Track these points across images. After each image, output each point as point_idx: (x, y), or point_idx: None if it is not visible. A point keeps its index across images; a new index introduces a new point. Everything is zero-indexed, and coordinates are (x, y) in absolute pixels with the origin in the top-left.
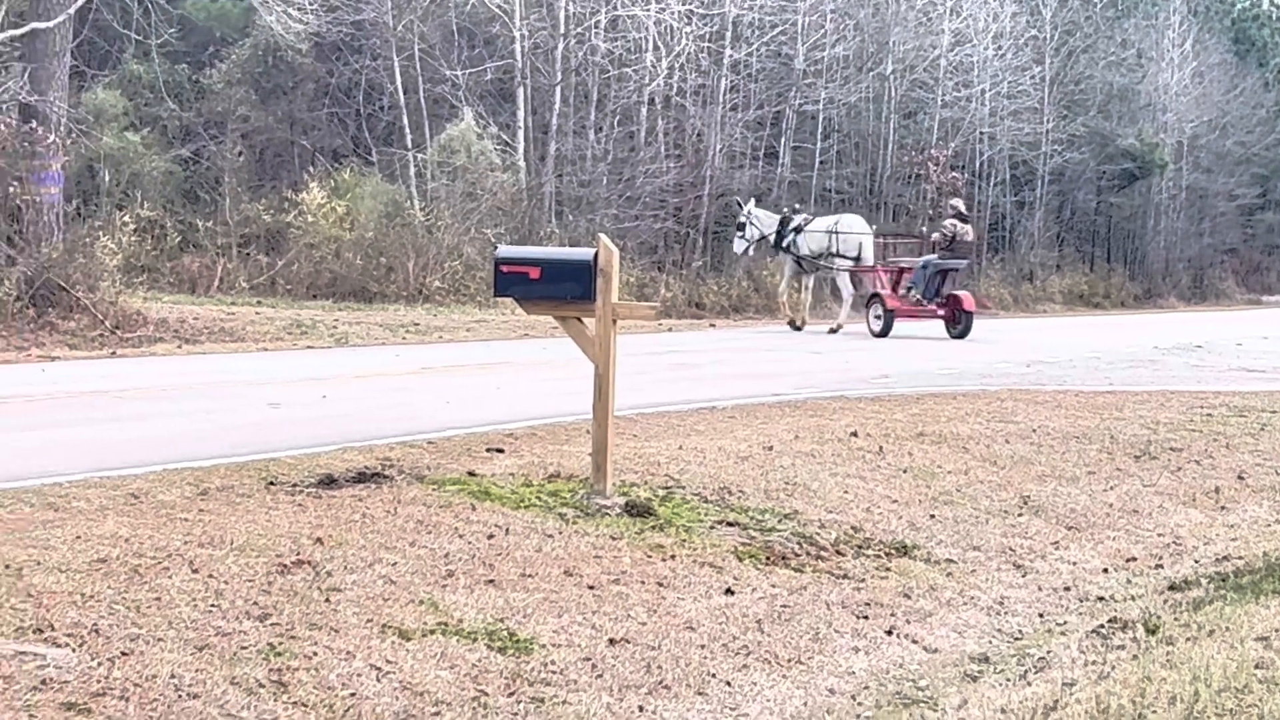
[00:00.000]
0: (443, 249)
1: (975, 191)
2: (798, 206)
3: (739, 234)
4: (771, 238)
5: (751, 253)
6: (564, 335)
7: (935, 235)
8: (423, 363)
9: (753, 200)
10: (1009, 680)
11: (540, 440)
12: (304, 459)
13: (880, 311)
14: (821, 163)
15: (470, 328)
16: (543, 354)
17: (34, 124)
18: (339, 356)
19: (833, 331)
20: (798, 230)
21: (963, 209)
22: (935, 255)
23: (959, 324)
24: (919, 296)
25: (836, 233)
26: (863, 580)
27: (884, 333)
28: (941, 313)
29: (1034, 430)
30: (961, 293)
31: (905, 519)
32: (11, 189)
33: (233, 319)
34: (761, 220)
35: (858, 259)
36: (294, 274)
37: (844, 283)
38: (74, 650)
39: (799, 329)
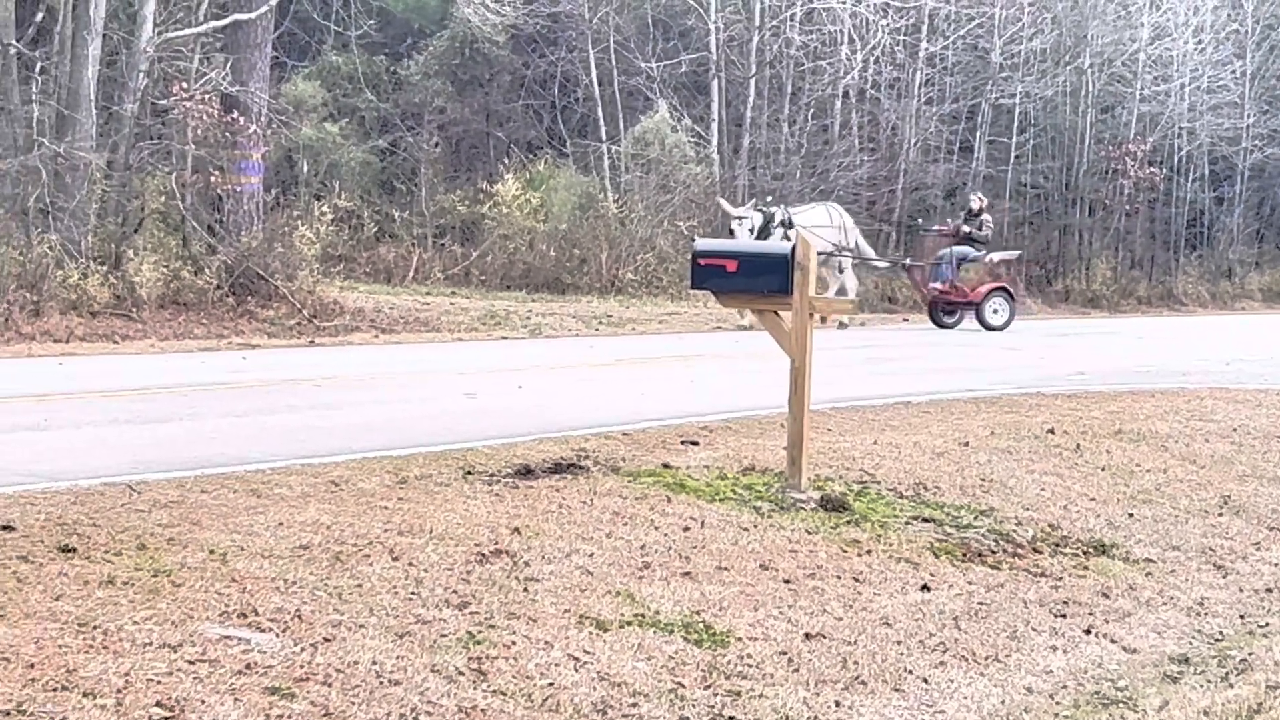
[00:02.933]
0: (635, 241)
1: (1173, 187)
2: (769, 199)
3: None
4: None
5: None
6: (757, 328)
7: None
8: (616, 355)
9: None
10: (1210, 682)
11: (735, 433)
12: (500, 449)
13: (1002, 303)
14: (1017, 157)
15: (663, 320)
16: (736, 347)
17: (235, 114)
18: (533, 347)
19: (842, 327)
20: (786, 225)
21: (971, 205)
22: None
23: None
24: (937, 285)
25: (845, 228)
26: (1060, 579)
27: (1005, 324)
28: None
29: (1234, 429)
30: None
31: (1103, 517)
32: (213, 178)
33: (428, 309)
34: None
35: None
36: (488, 265)
37: (852, 277)
38: (278, 635)
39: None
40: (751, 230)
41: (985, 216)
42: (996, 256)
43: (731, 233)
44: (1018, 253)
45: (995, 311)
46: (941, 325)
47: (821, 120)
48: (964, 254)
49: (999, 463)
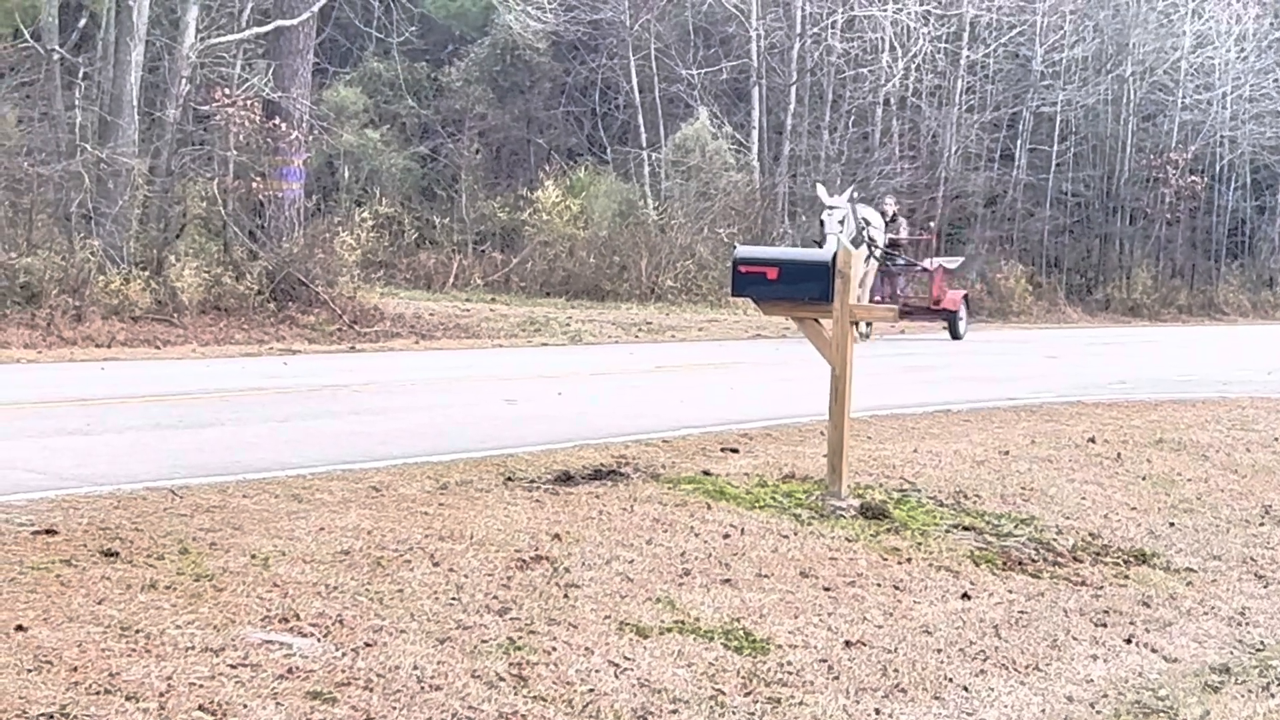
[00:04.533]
0: (675, 248)
1: (1214, 196)
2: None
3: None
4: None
5: None
6: (797, 336)
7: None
8: (656, 361)
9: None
10: (1251, 692)
11: (775, 440)
12: (541, 455)
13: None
14: (1058, 165)
15: (703, 327)
16: (775, 354)
17: (277, 120)
18: (573, 354)
19: (865, 337)
20: (868, 224)
21: (885, 210)
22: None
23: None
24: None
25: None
26: (1101, 587)
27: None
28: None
29: (1276, 439)
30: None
31: (1144, 526)
32: (255, 184)
33: (468, 315)
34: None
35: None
36: (528, 271)
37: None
38: (319, 640)
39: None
40: (841, 222)
41: (901, 220)
42: (940, 263)
43: (822, 224)
44: (962, 259)
45: (962, 319)
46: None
47: (862, 128)
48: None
49: (1039, 471)
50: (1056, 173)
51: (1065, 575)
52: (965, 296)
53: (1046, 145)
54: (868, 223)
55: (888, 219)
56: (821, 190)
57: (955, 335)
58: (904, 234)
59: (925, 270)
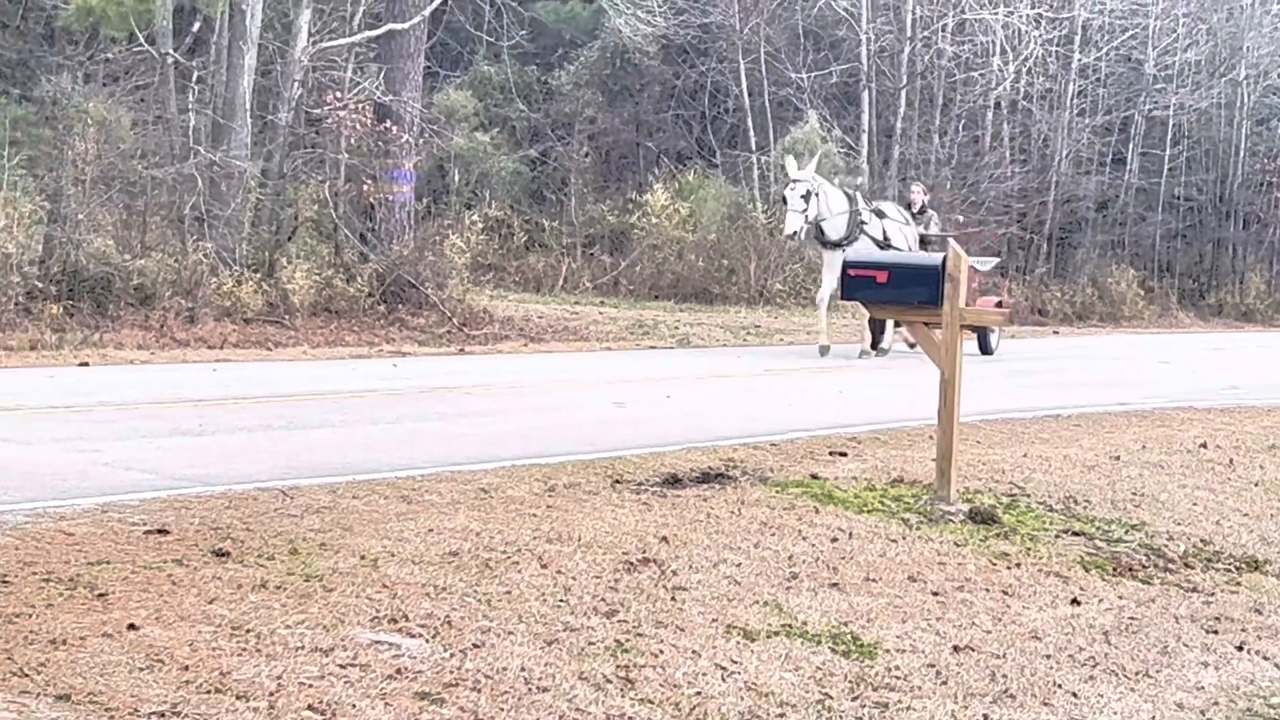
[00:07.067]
0: (784, 252)
1: None
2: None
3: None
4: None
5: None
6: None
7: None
8: (764, 365)
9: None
10: None
11: (883, 444)
12: (649, 458)
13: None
14: (1170, 170)
15: (811, 331)
16: (883, 358)
17: (388, 123)
18: (681, 357)
19: (881, 353)
20: (880, 215)
21: (911, 199)
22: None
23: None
24: None
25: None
26: (1212, 594)
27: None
28: None
29: None
30: None
31: (1256, 533)
32: (365, 187)
33: (576, 318)
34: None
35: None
36: (636, 274)
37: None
38: (427, 641)
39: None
40: (804, 197)
41: (931, 213)
42: (975, 265)
43: (784, 199)
44: (996, 260)
45: (994, 330)
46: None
47: (972, 131)
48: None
49: (1150, 477)
50: (1169, 177)
51: (1176, 581)
52: (999, 303)
53: (1159, 149)
54: (881, 214)
55: (915, 210)
56: (790, 162)
57: (985, 349)
58: (935, 229)
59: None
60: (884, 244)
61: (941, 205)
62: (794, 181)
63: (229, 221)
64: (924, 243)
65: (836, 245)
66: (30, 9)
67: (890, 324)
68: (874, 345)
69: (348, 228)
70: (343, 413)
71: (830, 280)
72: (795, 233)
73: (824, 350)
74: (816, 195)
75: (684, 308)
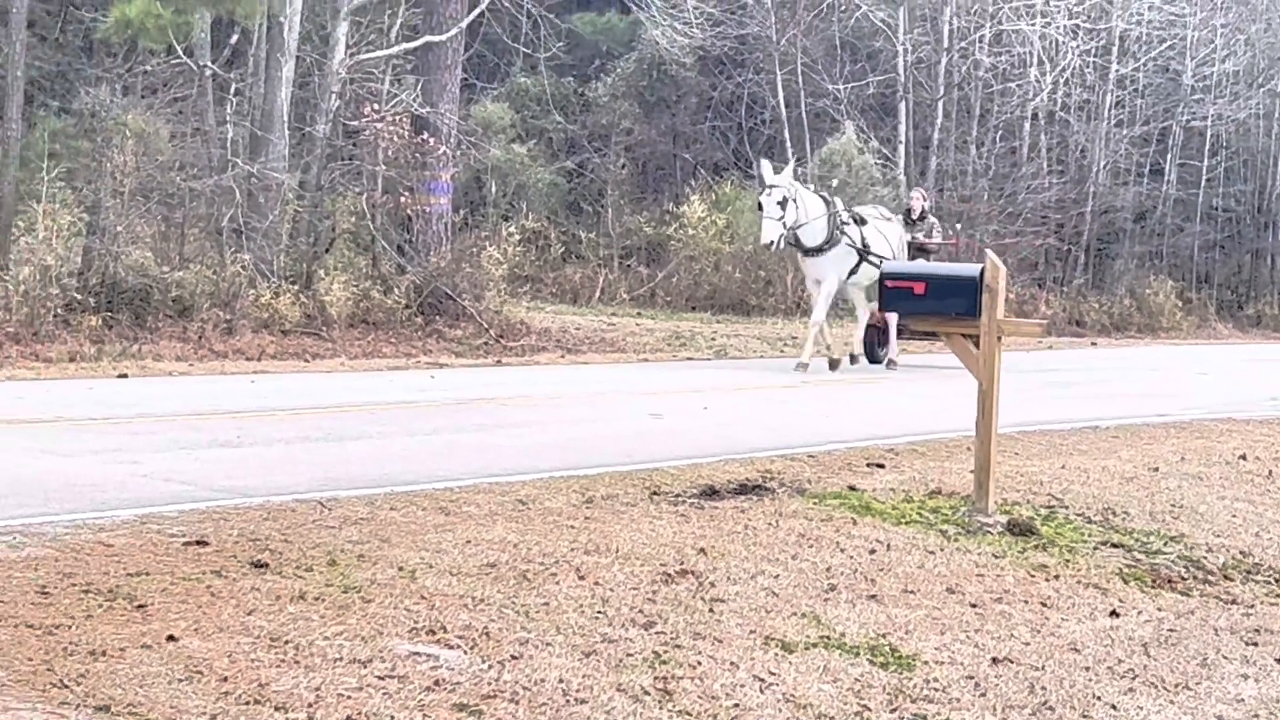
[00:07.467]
0: None
1: None
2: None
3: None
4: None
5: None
6: (942, 351)
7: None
8: (801, 376)
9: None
10: None
11: (921, 456)
12: (686, 469)
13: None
14: (1208, 180)
15: (847, 342)
16: (920, 369)
17: (425, 135)
18: (718, 369)
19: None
20: (859, 222)
21: (911, 206)
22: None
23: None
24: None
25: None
26: (1252, 606)
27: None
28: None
29: None
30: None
31: None
32: (403, 199)
33: (613, 329)
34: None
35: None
36: (674, 286)
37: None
38: (465, 652)
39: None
40: (781, 204)
41: (932, 220)
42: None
43: (760, 205)
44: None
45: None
46: (874, 359)
47: (1010, 142)
48: None
49: (1189, 488)
50: (1207, 188)
51: (1215, 593)
52: None
53: (1197, 160)
54: (861, 220)
55: (915, 216)
56: (765, 167)
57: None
58: (936, 236)
59: None
60: (863, 251)
61: (979, 217)
62: (770, 187)
63: (267, 233)
64: (922, 250)
65: (814, 252)
66: (69, 22)
67: (894, 336)
68: (869, 356)
69: (385, 239)
70: (380, 424)
71: (824, 300)
72: (773, 241)
73: (803, 367)
74: (794, 202)
75: (721, 319)
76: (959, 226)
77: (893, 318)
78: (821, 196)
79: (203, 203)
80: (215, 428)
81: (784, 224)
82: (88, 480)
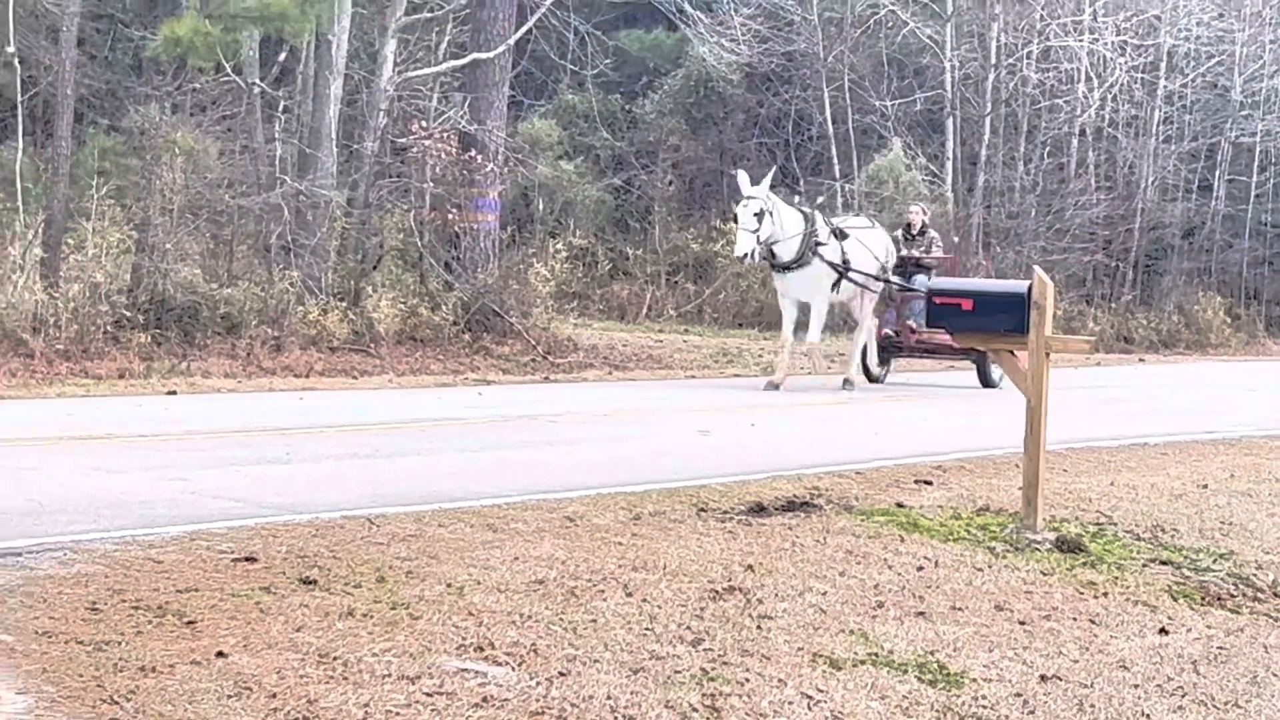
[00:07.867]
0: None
1: None
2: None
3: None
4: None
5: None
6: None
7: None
8: (849, 393)
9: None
10: None
11: (968, 473)
12: (734, 486)
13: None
14: (1258, 196)
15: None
16: (968, 387)
17: (473, 152)
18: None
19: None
20: (839, 236)
21: (910, 221)
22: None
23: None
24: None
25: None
26: None
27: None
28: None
29: None
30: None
31: None
32: (450, 216)
33: (661, 346)
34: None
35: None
36: (721, 302)
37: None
38: (513, 669)
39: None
40: (758, 215)
41: (932, 234)
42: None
43: (735, 217)
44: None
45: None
46: (871, 377)
47: (1057, 158)
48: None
49: (1238, 506)
50: (1256, 204)
51: (1265, 611)
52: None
53: (1245, 176)
54: (843, 235)
55: (914, 232)
56: (742, 178)
57: (985, 382)
58: (936, 251)
59: None
60: (844, 268)
61: (1026, 233)
62: (746, 199)
63: (315, 250)
64: (919, 266)
65: (787, 268)
66: (119, 40)
67: (857, 355)
68: (867, 374)
69: (433, 256)
70: (428, 441)
71: (791, 313)
72: (747, 254)
73: (774, 386)
74: (770, 215)
75: (768, 335)
76: (957, 241)
77: (872, 342)
78: (801, 212)
79: (251, 220)
80: (264, 444)
81: (758, 237)
82: (137, 497)
